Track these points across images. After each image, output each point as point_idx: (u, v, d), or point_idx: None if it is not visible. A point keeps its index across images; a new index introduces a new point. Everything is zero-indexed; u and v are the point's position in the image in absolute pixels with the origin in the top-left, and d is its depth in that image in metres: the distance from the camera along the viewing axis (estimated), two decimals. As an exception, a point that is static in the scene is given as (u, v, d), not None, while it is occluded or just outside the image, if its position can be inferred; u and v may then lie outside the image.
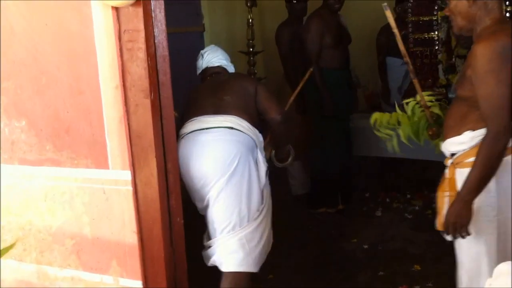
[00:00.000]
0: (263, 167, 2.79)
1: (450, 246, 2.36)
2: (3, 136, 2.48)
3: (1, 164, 2.51)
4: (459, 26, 2.19)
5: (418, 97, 2.46)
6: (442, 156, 2.35)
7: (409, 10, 4.68)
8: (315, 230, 4.26)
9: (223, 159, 2.64)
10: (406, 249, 3.76)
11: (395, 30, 2.34)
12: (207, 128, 2.72)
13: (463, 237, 2.10)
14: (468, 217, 2.07)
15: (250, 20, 5.21)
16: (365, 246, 3.89)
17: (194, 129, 2.73)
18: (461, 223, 2.07)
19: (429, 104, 2.47)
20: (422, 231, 3.91)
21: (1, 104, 2.46)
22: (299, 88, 3.97)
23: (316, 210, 4.61)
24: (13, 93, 2.42)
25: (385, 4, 2.30)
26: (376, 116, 2.58)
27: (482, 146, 2.02)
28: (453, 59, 5.40)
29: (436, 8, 5.48)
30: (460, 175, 2.16)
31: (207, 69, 3.07)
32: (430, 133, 2.45)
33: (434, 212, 2.38)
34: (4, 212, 2.55)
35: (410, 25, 4.71)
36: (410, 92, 2.54)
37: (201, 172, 2.66)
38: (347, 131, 4.62)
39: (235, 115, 2.76)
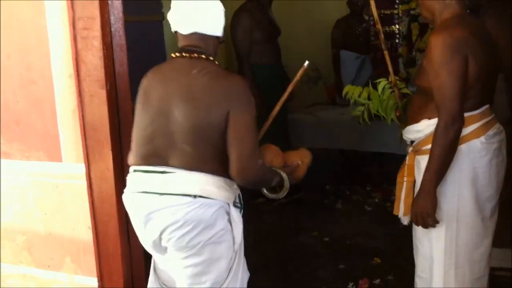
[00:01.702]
0: (239, 225, 2.12)
1: (410, 239, 2.40)
2: (-51, 127, 2.37)
3: None
4: (424, 16, 2.33)
5: (390, 78, 2.54)
6: (401, 149, 2.46)
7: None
8: (275, 223, 4.24)
9: (180, 238, 1.98)
10: (367, 242, 3.78)
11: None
12: (160, 194, 1.95)
13: (432, 226, 2.15)
14: (432, 207, 2.12)
15: (212, 10, 5.14)
16: (326, 239, 3.88)
17: (141, 190, 2.00)
18: (426, 212, 2.13)
19: (399, 85, 2.55)
20: (382, 224, 3.93)
21: None
22: (283, 99, 2.64)
23: (254, 200, 4.56)
24: (-40, 82, 2.32)
25: None
26: (348, 88, 2.67)
27: (435, 135, 2.10)
28: (413, 53, 5.46)
29: (397, 2, 5.54)
30: (418, 162, 2.25)
31: (177, 36, 2.04)
32: (397, 114, 2.51)
33: (393, 205, 2.42)
34: (-49, 207, 2.44)
35: (371, 18, 4.72)
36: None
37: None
38: (284, 126, 4.53)
39: (201, 171, 1.96)
